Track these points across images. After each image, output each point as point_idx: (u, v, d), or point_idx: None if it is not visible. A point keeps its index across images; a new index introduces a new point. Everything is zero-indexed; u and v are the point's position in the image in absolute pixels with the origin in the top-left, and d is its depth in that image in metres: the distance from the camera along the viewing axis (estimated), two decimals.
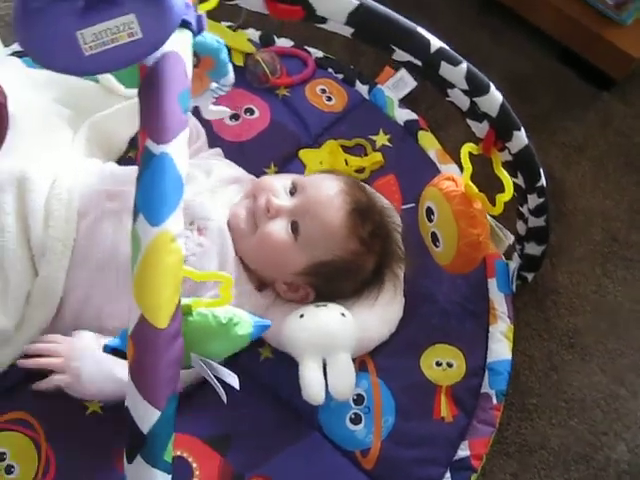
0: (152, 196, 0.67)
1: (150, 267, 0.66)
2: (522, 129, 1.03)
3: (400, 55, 0.93)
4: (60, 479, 0.99)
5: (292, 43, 1.49)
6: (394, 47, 0.92)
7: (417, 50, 0.93)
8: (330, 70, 1.47)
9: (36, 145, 1.10)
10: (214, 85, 1.03)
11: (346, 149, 1.37)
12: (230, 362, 0.77)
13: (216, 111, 1.09)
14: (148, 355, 0.65)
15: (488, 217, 1.11)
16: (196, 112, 1.11)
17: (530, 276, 1.33)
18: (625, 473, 1.24)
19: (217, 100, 1.06)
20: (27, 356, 1.03)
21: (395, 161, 1.37)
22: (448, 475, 1.09)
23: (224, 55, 0.98)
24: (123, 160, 1.25)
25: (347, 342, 1.08)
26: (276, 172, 1.32)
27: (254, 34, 1.47)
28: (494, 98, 0.99)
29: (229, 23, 1.45)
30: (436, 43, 0.94)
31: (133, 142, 1.26)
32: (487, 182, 1.05)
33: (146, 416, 0.65)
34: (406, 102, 1.45)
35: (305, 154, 1.35)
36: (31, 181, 1.03)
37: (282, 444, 1.07)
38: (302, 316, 1.09)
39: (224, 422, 1.06)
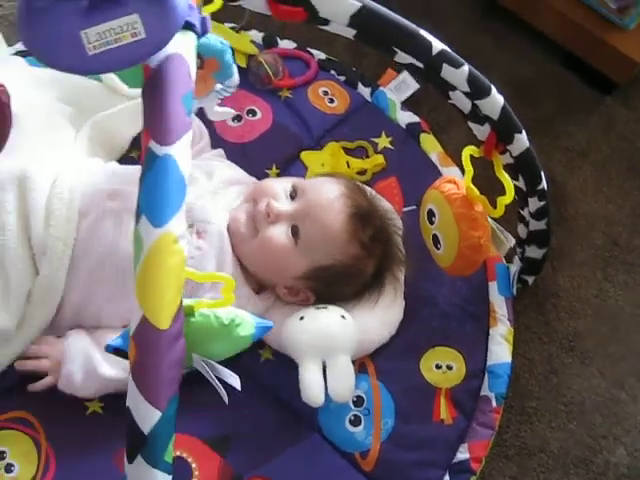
0: (155, 197, 0.68)
1: (152, 268, 0.66)
2: (523, 132, 1.03)
3: (402, 57, 0.93)
4: (60, 478, 0.99)
5: (295, 45, 1.49)
6: (396, 49, 0.92)
7: (419, 52, 0.93)
8: (332, 72, 1.47)
9: (39, 144, 1.10)
10: (219, 86, 1.03)
11: (348, 151, 1.37)
12: (231, 363, 0.77)
13: (221, 112, 1.10)
14: (150, 356, 0.66)
15: (489, 220, 1.11)
16: (200, 113, 1.12)
17: (531, 279, 1.33)
18: (624, 477, 1.24)
19: (222, 101, 1.06)
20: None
21: (397, 163, 1.37)
22: (447, 477, 1.09)
23: (228, 57, 0.98)
24: (125, 159, 1.25)
25: (347, 344, 1.08)
26: (278, 174, 1.32)
27: (257, 35, 1.47)
28: (495, 101, 0.99)
29: (232, 24, 1.46)
30: (438, 45, 0.94)
31: (135, 142, 1.26)
32: (488, 185, 1.05)
33: (147, 416, 0.65)
34: (408, 105, 1.45)
35: (307, 156, 1.35)
36: (32, 180, 1.03)
37: (282, 445, 1.07)
38: (302, 318, 1.09)
39: (224, 423, 1.06)
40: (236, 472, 1.04)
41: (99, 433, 1.02)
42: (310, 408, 1.05)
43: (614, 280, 1.44)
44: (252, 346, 0.81)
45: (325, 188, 1.14)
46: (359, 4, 0.87)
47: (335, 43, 1.51)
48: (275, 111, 1.38)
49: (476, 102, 0.99)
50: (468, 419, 1.14)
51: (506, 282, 1.28)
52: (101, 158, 1.19)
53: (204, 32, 0.76)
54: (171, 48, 0.70)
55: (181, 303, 0.68)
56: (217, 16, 0.83)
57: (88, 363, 1.01)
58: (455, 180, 1.10)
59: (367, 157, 1.37)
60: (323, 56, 1.48)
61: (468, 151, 1.05)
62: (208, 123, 1.28)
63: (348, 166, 1.35)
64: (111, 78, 1.22)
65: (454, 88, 0.98)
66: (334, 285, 1.13)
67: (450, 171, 1.35)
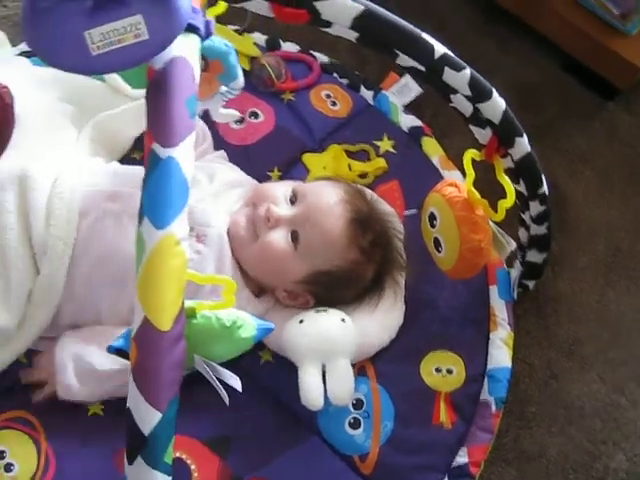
0: (158, 199, 0.68)
1: (154, 270, 0.66)
2: (524, 136, 1.04)
3: (404, 60, 0.93)
4: (60, 478, 0.99)
5: (298, 48, 1.49)
6: (398, 52, 0.93)
7: (421, 55, 0.93)
8: (335, 75, 1.47)
9: (40, 143, 1.11)
10: (224, 88, 1.03)
11: (350, 154, 1.37)
12: (231, 365, 0.77)
13: (226, 114, 1.10)
14: (151, 357, 0.66)
15: (490, 223, 1.11)
16: (203, 115, 1.12)
17: (531, 284, 1.33)
18: None
19: (227, 103, 1.07)
20: None
21: (399, 167, 1.37)
22: None
23: (233, 59, 0.98)
24: (127, 160, 1.25)
25: (347, 348, 1.08)
26: (280, 176, 1.32)
27: (260, 38, 1.47)
28: (497, 104, 0.99)
29: (235, 27, 1.46)
30: (440, 49, 0.94)
31: (137, 142, 1.26)
32: (490, 188, 1.05)
33: (147, 418, 0.65)
34: (410, 108, 1.45)
35: (309, 158, 1.35)
36: (33, 179, 1.03)
37: (281, 447, 1.07)
38: (302, 321, 1.09)
39: (224, 424, 1.07)
40: (235, 474, 1.04)
41: (99, 433, 1.02)
42: (310, 411, 1.05)
43: (615, 285, 1.44)
44: (252, 348, 0.81)
45: (325, 193, 1.14)
46: (362, 7, 0.87)
47: (338, 46, 1.52)
48: (277, 114, 1.38)
49: (477, 105, 0.99)
50: (467, 423, 1.14)
51: (507, 286, 1.28)
52: (102, 158, 1.19)
53: (208, 35, 0.76)
54: (175, 51, 0.71)
55: (183, 305, 0.68)
56: (220, 18, 0.83)
57: (80, 366, 1.01)
58: (457, 183, 1.10)
59: (369, 160, 1.37)
60: (326, 59, 1.48)
61: (469, 154, 1.05)
62: (210, 125, 1.28)
63: (350, 169, 1.35)
64: (114, 78, 1.23)
65: (455, 91, 0.98)
66: (334, 289, 1.13)
67: (452, 175, 1.35)
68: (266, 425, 1.09)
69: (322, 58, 1.48)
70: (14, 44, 1.32)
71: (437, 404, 1.14)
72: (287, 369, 1.08)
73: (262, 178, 1.28)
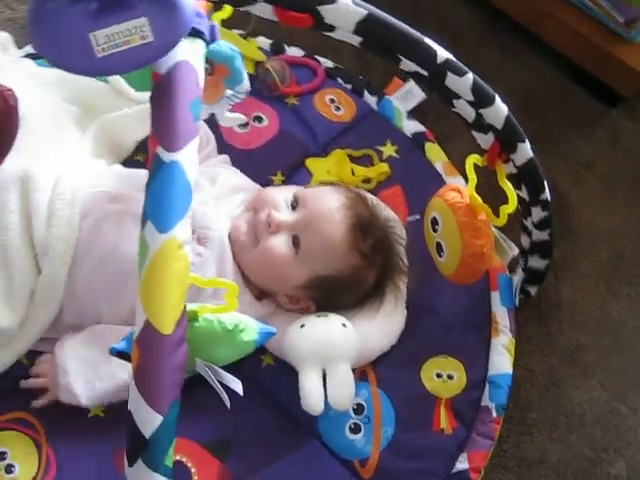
0: (161, 203, 0.68)
1: (157, 273, 0.66)
2: (527, 141, 1.04)
3: (407, 65, 0.93)
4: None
5: (302, 52, 1.49)
6: (401, 57, 0.93)
7: (424, 60, 0.93)
8: (339, 80, 1.47)
9: (44, 144, 1.11)
10: (229, 92, 1.03)
11: (353, 159, 1.37)
12: (232, 368, 0.78)
13: (232, 118, 1.10)
14: (152, 360, 0.66)
15: (493, 228, 1.11)
16: (208, 119, 1.12)
17: (533, 290, 1.33)
18: None
19: (233, 107, 1.07)
20: None
21: (402, 172, 1.37)
22: None
23: (239, 63, 0.98)
24: (130, 162, 1.25)
25: (347, 352, 1.08)
26: (283, 180, 1.32)
27: (265, 42, 1.48)
28: (499, 110, 1.00)
29: (240, 31, 1.46)
30: (443, 54, 0.94)
31: (140, 145, 1.26)
32: (492, 193, 1.05)
33: (148, 420, 0.65)
34: (414, 114, 1.45)
35: (312, 163, 1.35)
36: (35, 180, 1.04)
37: (281, 451, 1.07)
38: (303, 326, 1.09)
39: (223, 427, 1.07)
40: (235, 477, 1.04)
41: (100, 435, 1.02)
42: (310, 415, 1.05)
43: (617, 293, 1.44)
44: (254, 351, 0.82)
45: (326, 198, 1.14)
46: (365, 11, 0.87)
47: (342, 51, 1.52)
48: (281, 118, 1.39)
49: (480, 111, 0.99)
50: (468, 429, 1.13)
51: (508, 293, 1.27)
52: (105, 160, 1.19)
53: (213, 40, 0.77)
54: (179, 55, 0.71)
55: (185, 308, 0.68)
56: (225, 22, 0.84)
57: (82, 370, 1.01)
58: (459, 188, 1.10)
59: (372, 165, 1.37)
60: (330, 64, 1.49)
61: (472, 159, 1.05)
62: (215, 129, 1.28)
63: (353, 174, 1.35)
64: (118, 81, 1.23)
65: (458, 97, 0.98)
66: (335, 294, 1.14)
67: (455, 181, 1.35)
68: (266, 429, 1.08)
69: (326, 63, 1.49)
70: (20, 46, 1.32)
71: (437, 409, 1.14)
72: (288, 373, 1.08)
73: (265, 182, 1.29)
